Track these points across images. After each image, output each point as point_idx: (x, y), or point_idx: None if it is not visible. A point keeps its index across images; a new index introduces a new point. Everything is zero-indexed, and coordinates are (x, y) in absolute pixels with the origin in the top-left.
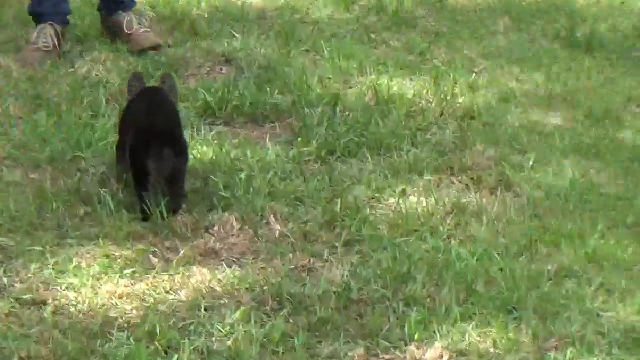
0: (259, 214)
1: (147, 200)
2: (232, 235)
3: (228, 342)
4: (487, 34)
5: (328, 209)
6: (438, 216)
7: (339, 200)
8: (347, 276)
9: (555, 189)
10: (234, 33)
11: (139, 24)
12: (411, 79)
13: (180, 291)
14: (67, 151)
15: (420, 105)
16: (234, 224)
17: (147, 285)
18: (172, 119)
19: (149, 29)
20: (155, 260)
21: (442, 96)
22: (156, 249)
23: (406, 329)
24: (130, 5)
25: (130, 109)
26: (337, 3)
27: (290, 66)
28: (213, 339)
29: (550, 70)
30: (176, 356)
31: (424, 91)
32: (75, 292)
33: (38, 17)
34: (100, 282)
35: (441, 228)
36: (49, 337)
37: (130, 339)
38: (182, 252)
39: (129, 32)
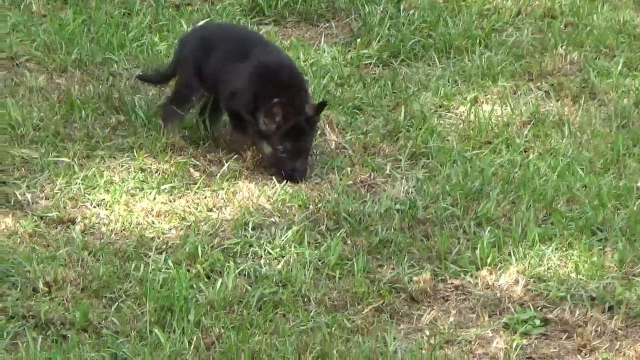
0: None
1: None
2: None
3: (278, 265)
4: None
5: (391, 119)
6: (514, 127)
7: (402, 108)
8: (412, 193)
9: None
10: None
11: None
12: None
13: (225, 209)
14: (96, 53)
15: (495, 2)
16: None
17: (188, 202)
18: None
19: None
20: (196, 174)
21: None
22: (198, 162)
23: (478, 252)
24: None
25: None
26: None
27: None
28: (262, 261)
29: None
30: (220, 281)
31: None
32: (107, 209)
33: None
34: (134, 198)
35: (518, 140)
36: (78, 260)
37: (169, 261)
38: (226, 165)
39: None
